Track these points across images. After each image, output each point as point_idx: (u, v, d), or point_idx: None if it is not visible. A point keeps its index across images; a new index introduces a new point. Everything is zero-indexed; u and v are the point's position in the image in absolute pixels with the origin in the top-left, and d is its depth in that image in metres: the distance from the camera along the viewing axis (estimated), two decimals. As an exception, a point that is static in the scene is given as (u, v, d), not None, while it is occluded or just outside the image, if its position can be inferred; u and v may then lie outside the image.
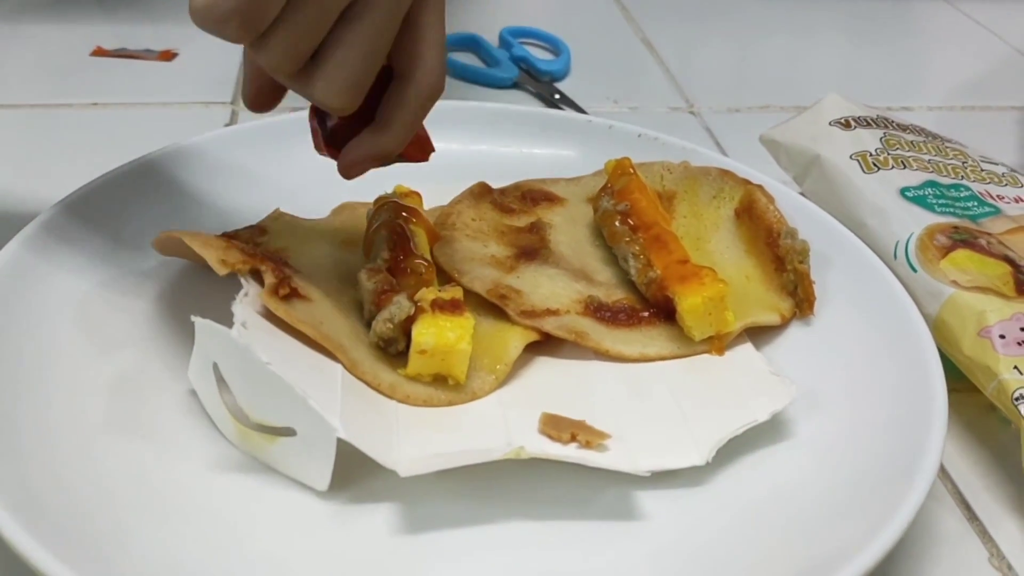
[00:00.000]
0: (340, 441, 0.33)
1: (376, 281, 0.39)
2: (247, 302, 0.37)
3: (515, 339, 0.40)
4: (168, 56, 0.69)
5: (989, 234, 0.46)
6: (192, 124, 0.61)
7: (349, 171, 0.38)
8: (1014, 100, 0.71)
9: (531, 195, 0.50)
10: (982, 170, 0.51)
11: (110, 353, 0.39)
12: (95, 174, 0.46)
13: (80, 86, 0.65)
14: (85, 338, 0.40)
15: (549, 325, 0.41)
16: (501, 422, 0.37)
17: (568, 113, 0.60)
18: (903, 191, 0.48)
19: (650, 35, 0.79)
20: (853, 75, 0.77)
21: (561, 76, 0.71)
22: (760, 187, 0.47)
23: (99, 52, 0.69)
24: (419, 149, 0.40)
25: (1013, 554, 0.37)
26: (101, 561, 0.30)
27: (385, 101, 0.36)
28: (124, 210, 0.45)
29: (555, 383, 0.40)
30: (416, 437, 0.36)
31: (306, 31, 0.32)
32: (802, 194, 0.50)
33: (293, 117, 0.53)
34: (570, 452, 0.35)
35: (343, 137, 0.38)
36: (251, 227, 0.45)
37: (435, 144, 0.40)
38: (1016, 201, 0.49)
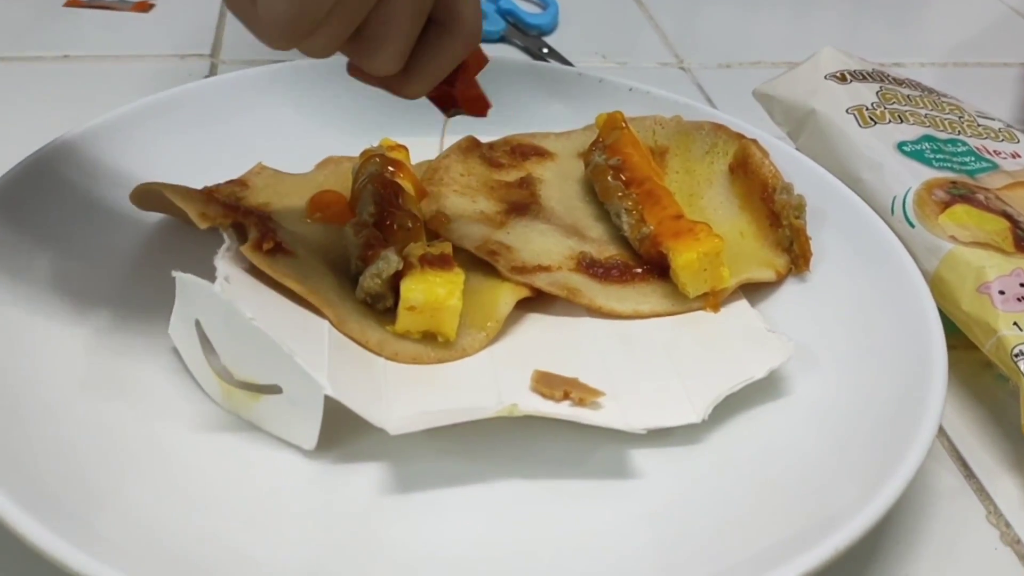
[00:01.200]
0: (327, 399, 0.32)
1: (363, 236, 0.38)
2: (229, 257, 0.36)
3: (505, 295, 0.39)
4: (144, 7, 0.67)
5: (987, 189, 0.45)
6: (169, 77, 0.59)
7: (356, 72, 0.36)
8: (1008, 57, 0.70)
9: (520, 149, 0.49)
10: (979, 125, 0.50)
11: (86, 312, 0.38)
12: (67, 129, 0.44)
13: (52, 38, 0.63)
14: (59, 297, 0.38)
15: (541, 281, 0.40)
16: (492, 379, 0.36)
17: (558, 66, 0.58)
18: (900, 145, 0.47)
19: (639, -11, 0.77)
20: (845, 32, 0.76)
21: (549, 30, 0.70)
22: (755, 141, 0.46)
23: (72, 2, 0.67)
24: (478, 107, 0.38)
25: (1010, 511, 0.36)
26: (82, 523, 0.29)
27: (421, 46, 0.35)
28: (99, 165, 0.44)
29: (547, 340, 0.39)
30: (405, 395, 0.35)
31: (349, 23, 0.31)
32: (797, 150, 0.49)
33: (274, 69, 0.51)
34: (563, 410, 0.35)
35: None
36: (232, 181, 0.44)
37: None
38: (1013, 156, 0.48)
